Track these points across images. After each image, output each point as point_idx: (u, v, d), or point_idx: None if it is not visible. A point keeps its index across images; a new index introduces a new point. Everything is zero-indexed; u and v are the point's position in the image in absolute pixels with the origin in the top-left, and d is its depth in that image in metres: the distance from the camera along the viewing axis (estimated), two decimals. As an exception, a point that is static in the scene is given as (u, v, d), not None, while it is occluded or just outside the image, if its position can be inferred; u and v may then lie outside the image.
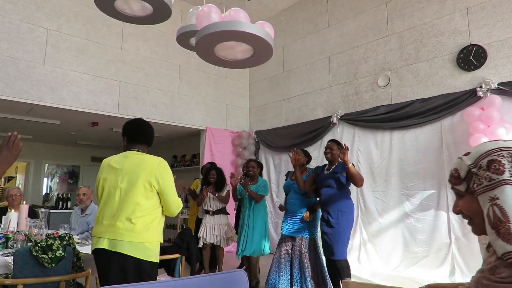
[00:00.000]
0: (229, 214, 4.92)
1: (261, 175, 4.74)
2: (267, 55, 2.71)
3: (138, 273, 2.06)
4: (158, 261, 2.18)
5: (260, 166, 4.69)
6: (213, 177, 4.78)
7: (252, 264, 4.28)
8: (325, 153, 3.71)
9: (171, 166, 8.83)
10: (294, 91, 6.72)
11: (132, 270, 2.05)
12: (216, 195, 4.63)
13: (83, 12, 5.53)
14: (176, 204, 2.24)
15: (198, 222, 5.17)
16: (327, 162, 3.79)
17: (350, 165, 3.37)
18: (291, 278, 3.67)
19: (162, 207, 2.22)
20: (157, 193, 2.17)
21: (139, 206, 2.10)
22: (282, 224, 3.91)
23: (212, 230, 4.64)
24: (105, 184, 2.20)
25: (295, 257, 3.70)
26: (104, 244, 2.08)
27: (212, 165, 5.22)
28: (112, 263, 2.05)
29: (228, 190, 4.77)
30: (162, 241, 2.22)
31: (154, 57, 6.31)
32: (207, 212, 4.77)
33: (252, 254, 4.20)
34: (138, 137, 2.30)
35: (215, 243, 4.64)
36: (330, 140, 3.79)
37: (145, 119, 6.13)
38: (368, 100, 5.52)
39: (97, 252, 2.13)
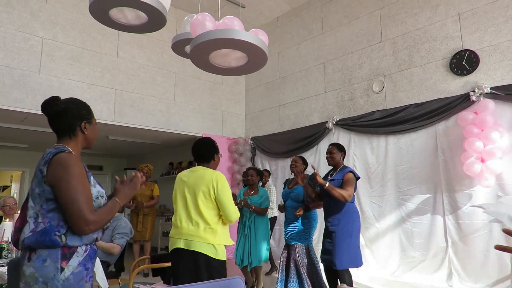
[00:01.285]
0: None
1: (264, 182, 4.62)
2: (262, 62, 2.73)
3: (208, 269, 2.40)
4: (225, 259, 2.50)
5: (260, 173, 4.56)
6: None
7: (257, 272, 4.22)
8: (326, 158, 3.60)
9: (167, 174, 8.83)
10: (289, 97, 6.75)
11: (203, 267, 2.40)
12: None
13: (78, 21, 5.55)
14: (233, 212, 2.50)
15: None
16: (330, 167, 3.67)
17: (326, 186, 3.21)
18: (286, 286, 3.64)
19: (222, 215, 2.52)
20: (216, 201, 2.49)
21: (202, 213, 2.46)
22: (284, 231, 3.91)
23: None
24: (177, 194, 2.60)
25: (292, 265, 3.67)
26: (181, 244, 2.46)
27: None
28: (186, 261, 2.43)
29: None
30: (230, 243, 2.54)
31: (150, 65, 6.33)
32: None
33: (259, 264, 4.09)
34: (200, 157, 2.69)
35: None
36: (331, 144, 3.66)
37: (140, 126, 6.11)
38: (363, 106, 5.55)
39: (175, 251, 2.49)
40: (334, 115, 5.86)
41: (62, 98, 1.69)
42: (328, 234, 3.40)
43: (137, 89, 6.09)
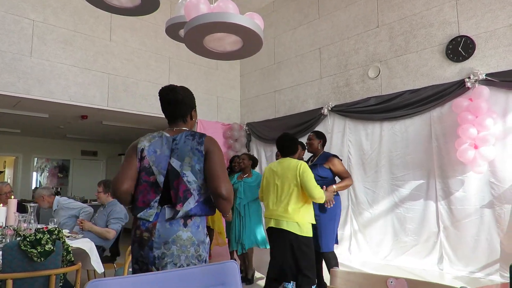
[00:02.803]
0: None
1: (254, 168, 4.68)
2: (257, 47, 2.70)
3: (297, 244, 2.90)
4: (311, 235, 2.98)
5: (252, 158, 4.58)
6: None
7: (248, 255, 4.28)
8: (306, 144, 3.73)
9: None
10: (285, 82, 6.71)
11: (293, 242, 2.91)
12: None
13: (70, 3, 5.43)
14: (317, 193, 2.93)
15: None
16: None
17: (334, 188, 3.34)
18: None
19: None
20: (301, 186, 2.95)
21: (289, 196, 2.96)
22: None
23: None
24: (269, 182, 3.13)
25: None
26: (272, 223, 3.00)
27: None
28: (278, 237, 2.96)
29: None
30: (313, 222, 3.02)
31: (144, 49, 6.24)
32: None
33: (251, 245, 4.15)
34: (286, 149, 3.18)
35: None
36: (312, 132, 3.76)
37: (134, 111, 6.06)
38: (359, 92, 5.54)
39: (269, 230, 3.06)
40: (330, 101, 5.85)
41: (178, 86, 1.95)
42: None
43: (130, 73, 6.01)
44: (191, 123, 2.00)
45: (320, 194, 2.94)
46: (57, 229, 2.38)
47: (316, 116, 5.97)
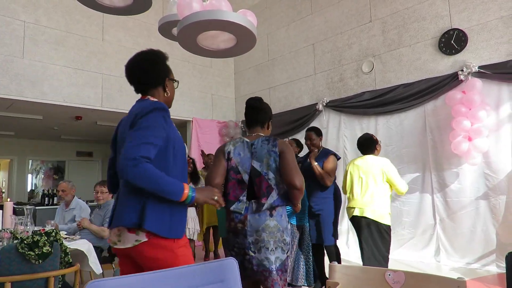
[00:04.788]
0: (198, 206, 4.81)
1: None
2: (250, 44, 2.70)
3: (378, 230, 3.25)
4: (390, 224, 3.31)
5: None
6: (190, 166, 4.60)
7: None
8: (306, 144, 3.76)
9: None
10: (279, 79, 6.71)
11: (374, 229, 3.24)
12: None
13: (61, 3, 5.39)
14: (402, 186, 3.34)
15: None
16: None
17: (314, 164, 3.48)
18: None
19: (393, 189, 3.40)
20: (386, 180, 3.32)
21: (373, 189, 3.29)
22: None
23: (186, 223, 4.46)
24: (353, 175, 3.43)
25: None
26: (357, 212, 3.31)
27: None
28: (361, 225, 3.28)
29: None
30: (390, 212, 3.35)
31: (137, 48, 6.13)
32: None
33: None
34: (365, 147, 3.53)
35: (187, 237, 4.50)
36: (307, 129, 3.78)
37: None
38: (353, 87, 5.55)
39: (352, 219, 3.39)
40: (324, 97, 5.86)
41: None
42: (313, 214, 3.55)
43: (124, 73, 5.97)
44: (267, 131, 2.30)
45: (405, 187, 3.37)
46: (55, 231, 2.38)
47: (311, 112, 5.98)
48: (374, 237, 3.24)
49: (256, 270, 2.02)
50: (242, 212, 2.06)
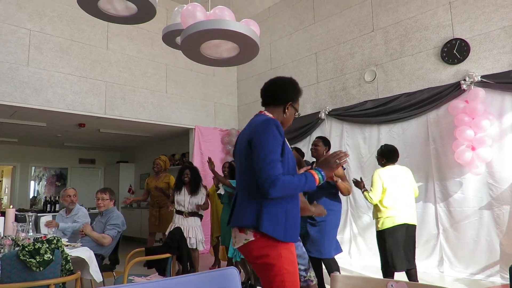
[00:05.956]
0: (202, 216, 4.81)
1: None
2: (253, 53, 2.72)
3: (414, 234, 3.52)
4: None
5: None
6: (187, 176, 4.60)
7: (248, 263, 4.25)
8: (311, 150, 3.77)
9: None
10: (282, 88, 6.72)
11: (413, 233, 3.50)
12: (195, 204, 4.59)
13: (66, 12, 5.45)
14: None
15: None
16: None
17: (338, 182, 3.50)
18: None
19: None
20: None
21: (410, 196, 3.52)
22: None
23: (186, 232, 4.40)
24: (389, 184, 3.48)
25: None
26: (407, 220, 3.43)
27: (185, 165, 5.00)
28: (404, 230, 3.43)
29: (205, 195, 4.70)
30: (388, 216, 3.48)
31: (140, 57, 6.26)
32: (179, 212, 4.58)
33: None
34: (395, 158, 3.68)
35: (188, 246, 4.35)
36: (317, 137, 3.84)
37: (132, 119, 6.08)
38: (355, 95, 5.56)
39: (397, 226, 3.44)
40: (327, 105, 5.87)
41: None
42: (314, 225, 3.51)
43: (128, 81, 6.02)
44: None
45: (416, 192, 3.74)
46: (56, 238, 2.38)
47: (313, 120, 5.98)
48: (410, 240, 3.50)
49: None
50: None
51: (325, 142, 3.73)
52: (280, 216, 1.66)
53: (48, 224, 3.74)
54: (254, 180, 1.68)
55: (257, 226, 1.62)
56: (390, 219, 3.42)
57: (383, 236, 3.42)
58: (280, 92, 1.97)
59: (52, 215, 6.64)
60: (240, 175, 1.83)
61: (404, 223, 3.41)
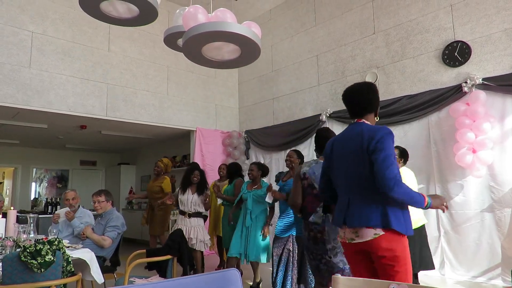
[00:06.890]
0: (207, 217, 4.83)
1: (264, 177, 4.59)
2: (255, 55, 2.72)
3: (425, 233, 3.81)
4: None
5: (262, 168, 4.42)
6: (196, 177, 4.65)
7: (254, 265, 4.21)
8: (285, 161, 3.81)
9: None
10: (283, 90, 6.74)
11: (425, 231, 3.79)
12: (201, 197, 4.64)
13: (68, 15, 5.47)
14: None
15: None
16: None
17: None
18: (276, 276, 3.67)
19: None
20: None
21: None
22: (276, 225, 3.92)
23: (188, 233, 4.41)
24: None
25: (285, 255, 3.69)
26: (422, 222, 3.74)
27: (194, 165, 5.04)
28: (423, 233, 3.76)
29: (208, 195, 4.75)
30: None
31: (142, 59, 6.27)
32: (182, 213, 4.60)
33: (255, 259, 4.04)
34: (407, 158, 3.86)
35: (190, 246, 4.39)
36: (292, 149, 3.90)
37: (133, 121, 6.09)
38: (357, 98, 5.55)
39: (422, 227, 3.75)
40: (328, 108, 5.87)
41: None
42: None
43: (129, 83, 6.04)
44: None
45: None
46: (57, 239, 2.38)
47: (314, 122, 5.98)
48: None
49: (331, 271, 2.44)
50: (320, 223, 2.47)
51: (299, 155, 3.75)
52: (399, 214, 1.86)
53: (67, 214, 3.93)
54: (372, 184, 1.86)
55: (387, 224, 1.82)
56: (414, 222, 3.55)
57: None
58: (375, 98, 2.21)
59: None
60: (350, 179, 2.00)
61: (423, 225, 3.65)
